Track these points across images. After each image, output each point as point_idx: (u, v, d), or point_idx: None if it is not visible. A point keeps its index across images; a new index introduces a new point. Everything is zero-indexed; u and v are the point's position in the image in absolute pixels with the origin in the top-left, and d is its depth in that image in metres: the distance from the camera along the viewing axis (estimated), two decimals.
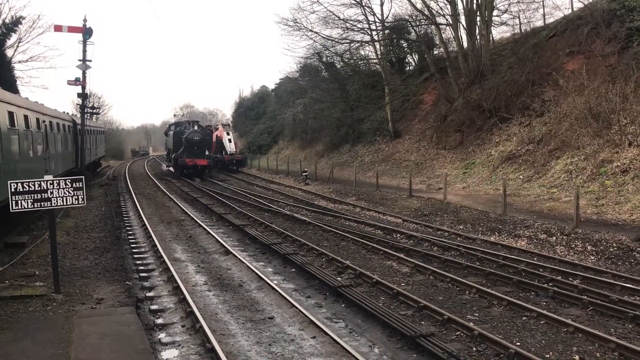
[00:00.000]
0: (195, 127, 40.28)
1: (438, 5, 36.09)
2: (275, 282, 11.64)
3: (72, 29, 26.14)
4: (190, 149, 37.53)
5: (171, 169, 44.35)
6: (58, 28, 26.20)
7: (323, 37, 40.89)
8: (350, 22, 39.47)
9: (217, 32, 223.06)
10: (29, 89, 77.13)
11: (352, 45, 42.13)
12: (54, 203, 10.31)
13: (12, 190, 9.91)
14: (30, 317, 9.11)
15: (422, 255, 13.86)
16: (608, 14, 26.06)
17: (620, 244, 13.78)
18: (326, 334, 8.49)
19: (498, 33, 37.88)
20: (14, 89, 33.67)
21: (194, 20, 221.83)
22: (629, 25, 24.74)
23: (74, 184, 10.49)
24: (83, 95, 28.30)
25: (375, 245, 14.96)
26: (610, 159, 20.26)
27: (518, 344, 8.19)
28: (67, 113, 31.48)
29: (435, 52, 40.99)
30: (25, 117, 16.26)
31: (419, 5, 36.23)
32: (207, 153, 38.86)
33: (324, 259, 13.73)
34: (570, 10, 31.82)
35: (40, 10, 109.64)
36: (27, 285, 11.00)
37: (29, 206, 10.10)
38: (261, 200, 25.16)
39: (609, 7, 26.36)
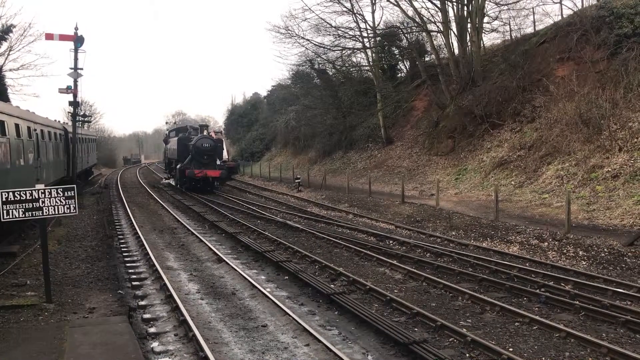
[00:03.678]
0: (205, 133, 35.31)
1: (429, 12, 36.38)
2: (269, 289, 11.62)
3: (63, 37, 26.05)
4: (199, 158, 32.43)
5: (171, 181, 39.40)
6: (49, 36, 26.08)
7: (315, 44, 41.00)
8: (342, 29, 39.62)
9: (208, 39, 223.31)
10: (20, 97, 77.12)
11: (344, 52, 42.29)
12: (46, 212, 10.26)
13: (3, 199, 9.85)
14: (22, 327, 9.05)
15: (415, 262, 13.88)
16: (597, 21, 26.30)
17: (611, 249, 13.87)
18: (319, 341, 8.48)
19: (489, 40, 38.20)
20: (4, 98, 33.56)
21: (186, 27, 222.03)
22: (618, 32, 24.97)
23: (66, 192, 10.45)
24: (74, 104, 28.16)
25: (368, 252, 14.98)
26: (600, 165, 20.40)
27: (511, 349, 8.22)
28: (59, 121, 31.38)
29: (427, 59, 41.22)
30: (17, 125, 16.20)
31: (410, 13, 36.48)
32: (217, 162, 33.70)
33: (317, 266, 13.72)
34: (560, 17, 32.12)
35: (31, 18, 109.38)
36: (18, 295, 10.92)
37: (20, 215, 10.04)
38: (254, 208, 25.12)
39: (598, 14, 26.61)
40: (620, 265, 12.94)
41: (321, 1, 57.17)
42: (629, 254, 13.41)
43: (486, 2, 32.73)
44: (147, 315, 10.05)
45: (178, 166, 34.17)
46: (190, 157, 33.02)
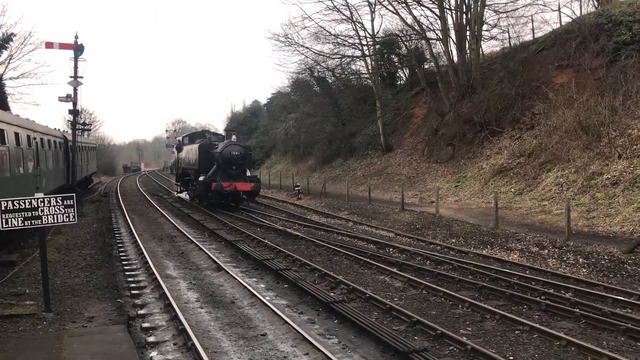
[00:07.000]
0: (233, 138, 30.26)
1: (428, 20, 36.57)
2: (268, 298, 11.58)
3: (63, 46, 26.11)
4: (226, 169, 27.80)
5: (185, 195, 34.08)
6: (49, 45, 26.15)
7: (314, 52, 41.19)
8: (341, 37, 39.80)
9: (208, 47, 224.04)
10: (20, 105, 77.12)
11: (343, 60, 42.43)
12: (45, 221, 10.24)
13: (2, 208, 9.83)
14: (20, 337, 9.01)
15: (414, 270, 13.85)
16: (596, 28, 26.39)
17: (611, 257, 13.84)
18: (319, 350, 8.43)
19: (488, 47, 38.36)
20: (4, 106, 33.64)
21: (186, 35, 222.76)
22: (616, 39, 25.05)
23: (65, 201, 10.42)
24: (74, 112, 28.21)
25: (368, 259, 14.94)
26: (600, 172, 20.41)
27: (511, 358, 8.18)
28: (58, 129, 31.40)
29: (426, 67, 41.35)
30: (16, 134, 16.21)
31: (409, 21, 36.63)
32: (248, 173, 29.19)
33: (316, 274, 13.69)
34: (558, 25, 32.27)
35: (31, 27, 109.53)
36: (17, 304, 10.88)
37: (19, 224, 10.00)
38: (253, 215, 25.11)
39: (596, 21, 26.71)
40: (620, 272, 12.91)
41: (320, 10, 57.72)
42: (629, 261, 13.38)
43: (485, 10, 32.91)
44: (146, 324, 10.00)
45: (201, 178, 28.79)
46: (215, 167, 28.37)
